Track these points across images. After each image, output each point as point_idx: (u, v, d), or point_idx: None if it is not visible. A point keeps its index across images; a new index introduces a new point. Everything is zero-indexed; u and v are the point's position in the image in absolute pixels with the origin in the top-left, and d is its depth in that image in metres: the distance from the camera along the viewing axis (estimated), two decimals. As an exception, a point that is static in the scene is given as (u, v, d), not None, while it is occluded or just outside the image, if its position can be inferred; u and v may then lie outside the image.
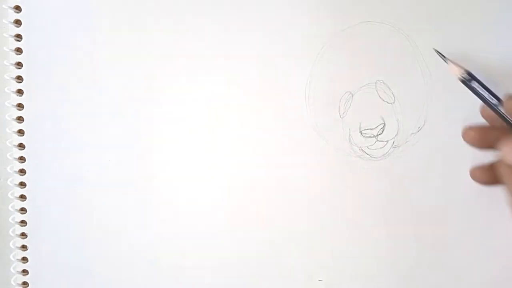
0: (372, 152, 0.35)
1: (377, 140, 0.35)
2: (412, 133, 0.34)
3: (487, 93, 0.31)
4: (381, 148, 0.35)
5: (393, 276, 0.36)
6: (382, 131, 0.35)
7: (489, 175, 0.32)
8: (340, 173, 0.35)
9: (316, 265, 0.36)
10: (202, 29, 0.35)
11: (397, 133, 0.35)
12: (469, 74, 0.31)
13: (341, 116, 0.35)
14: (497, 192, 0.33)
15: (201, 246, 0.36)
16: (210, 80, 0.35)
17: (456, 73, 0.32)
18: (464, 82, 0.32)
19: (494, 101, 0.31)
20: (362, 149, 0.35)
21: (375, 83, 0.34)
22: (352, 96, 0.34)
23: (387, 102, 0.34)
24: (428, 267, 0.35)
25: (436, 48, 0.33)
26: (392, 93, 0.34)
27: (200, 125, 0.35)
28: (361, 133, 0.35)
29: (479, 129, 0.32)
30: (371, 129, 0.35)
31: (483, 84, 0.31)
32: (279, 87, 0.35)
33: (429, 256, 0.35)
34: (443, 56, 0.33)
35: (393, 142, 0.35)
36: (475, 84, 0.31)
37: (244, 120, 0.35)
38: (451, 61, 0.32)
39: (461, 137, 0.33)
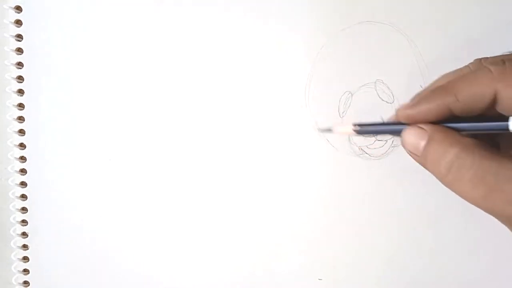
0: (372, 152, 0.35)
1: (377, 140, 0.35)
2: (412, 133, 0.34)
3: (384, 125, 0.30)
4: (380, 147, 0.35)
5: (393, 275, 0.36)
6: (382, 131, 0.35)
7: None
8: (339, 172, 0.35)
9: (316, 264, 0.36)
10: (202, 29, 0.35)
11: (397, 132, 0.35)
12: (357, 124, 0.30)
13: (341, 116, 0.35)
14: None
15: (201, 245, 0.36)
16: (209, 80, 0.35)
17: (349, 131, 0.30)
18: (360, 132, 0.30)
19: (391, 126, 0.29)
20: (361, 149, 0.35)
21: (375, 82, 0.34)
22: (352, 95, 0.35)
23: (387, 102, 0.35)
24: (428, 267, 0.35)
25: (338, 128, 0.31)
26: (392, 92, 0.34)
27: (199, 125, 0.35)
28: (361, 133, 0.35)
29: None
30: (370, 128, 0.35)
31: (373, 122, 0.30)
32: (279, 86, 0.35)
33: (429, 256, 0.35)
34: (328, 129, 0.31)
35: (392, 142, 0.35)
36: (370, 127, 0.30)
37: (244, 120, 0.35)
38: (336, 127, 0.31)
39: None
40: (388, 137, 0.35)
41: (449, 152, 0.25)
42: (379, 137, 0.35)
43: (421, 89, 0.34)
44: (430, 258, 0.35)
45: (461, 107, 0.26)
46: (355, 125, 0.30)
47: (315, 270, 0.36)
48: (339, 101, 0.35)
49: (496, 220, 0.35)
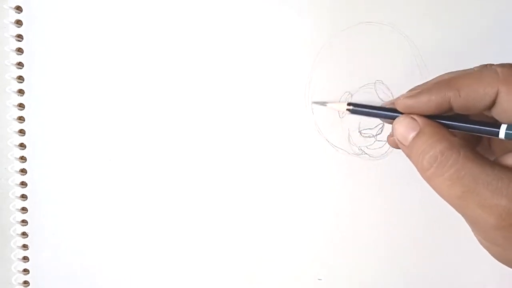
0: (371, 152, 0.35)
1: (376, 140, 0.35)
2: (411, 133, 0.35)
3: (378, 110, 0.30)
4: (380, 148, 0.35)
5: (392, 276, 0.36)
6: (381, 131, 0.35)
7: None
8: (339, 172, 0.35)
9: (316, 264, 0.36)
10: (202, 29, 0.35)
11: (396, 133, 0.35)
12: (352, 104, 0.30)
13: (340, 116, 0.35)
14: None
15: (202, 245, 0.36)
16: (209, 80, 0.35)
17: (341, 109, 0.31)
18: (353, 112, 0.31)
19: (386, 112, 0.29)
20: (361, 149, 0.35)
21: (374, 83, 0.34)
22: (352, 96, 0.35)
23: (386, 102, 0.35)
24: (428, 267, 0.36)
25: (314, 101, 0.34)
26: (391, 93, 0.34)
27: (199, 125, 0.35)
28: (360, 133, 0.35)
29: None
30: (370, 129, 0.35)
31: (367, 105, 0.30)
32: (279, 87, 0.35)
33: (429, 256, 0.36)
34: (322, 103, 0.33)
35: (392, 142, 0.35)
36: (364, 108, 0.30)
37: (243, 121, 0.35)
38: (330, 103, 0.32)
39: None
40: (387, 137, 0.35)
41: (435, 147, 0.25)
42: (379, 137, 0.35)
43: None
44: (430, 258, 0.35)
45: (461, 103, 0.26)
46: (349, 104, 0.30)
47: (315, 270, 0.36)
48: (339, 101, 0.35)
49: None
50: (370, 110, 0.30)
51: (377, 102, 0.34)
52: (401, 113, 0.28)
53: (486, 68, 0.26)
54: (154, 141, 0.36)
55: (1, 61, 0.36)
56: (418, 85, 0.28)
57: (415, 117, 0.27)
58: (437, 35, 0.34)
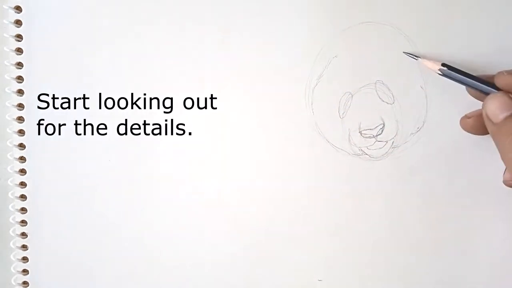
0: (372, 152, 0.35)
1: (377, 141, 0.35)
2: (411, 134, 0.35)
3: (472, 79, 0.30)
4: (380, 148, 0.35)
5: (393, 276, 0.36)
6: (382, 132, 0.35)
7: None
8: (339, 173, 0.35)
9: (316, 265, 0.36)
10: (202, 29, 0.35)
11: (396, 133, 0.35)
12: (444, 65, 0.31)
13: (341, 117, 0.35)
14: (497, 192, 0.33)
15: (201, 245, 0.36)
16: (209, 80, 0.35)
17: (434, 68, 0.31)
18: (444, 74, 0.31)
19: (479, 82, 0.29)
20: (361, 149, 0.35)
21: (375, 83, 0.34)
22: (352, 96, 0.35)
23: (387, 103, 0.35)
24: (428, 267, 0.36)
25: (405, 52, 0.33)
26: (392, 93, 0.34)
27: (199, 125, 0.35)
28: (361, 133, 0.35)
29: (476, 115, 0.31)
30: (370, 129, 0.35)
31: (461, 70, 0.31)
32: (279, 87, 0.35)
33: (429, 256, 0.35)
34: (414, 56, 0.33)
35: (393, 143, 0.35)
36: (457, 74, 0.31)
37: (243, 120, 0.35)
38: (423, 59, 0.32)
39: (460, 137, 0.33)
40: (388, 138, 0.35)
41: None
42: (379, 138, 0.35)
43: (421, 90, 0.34)
44: (430, 258, 0.35)
45: None
46: (443, 65, 0.30)
47: (315, 271, 0.36)
48: (339, 102, 0.35)
49: (495, 220, 0.35)
50: (464, 78, 0.30)
51: (378, 103, 0.34)
52: (497, 89, 0.28)
53: None
54: (153, 141, 0.36)
55: (1, 61, 0.35)
56: None
57: None
58: (437, 35, 0.34)
